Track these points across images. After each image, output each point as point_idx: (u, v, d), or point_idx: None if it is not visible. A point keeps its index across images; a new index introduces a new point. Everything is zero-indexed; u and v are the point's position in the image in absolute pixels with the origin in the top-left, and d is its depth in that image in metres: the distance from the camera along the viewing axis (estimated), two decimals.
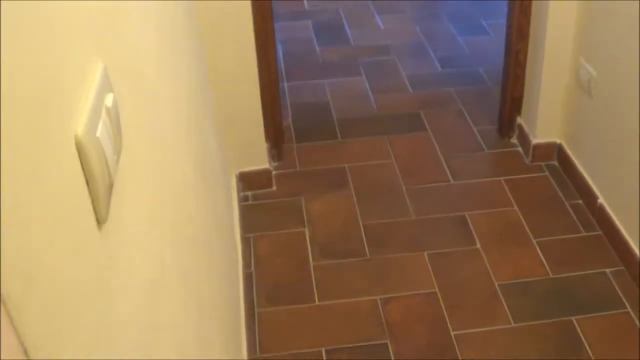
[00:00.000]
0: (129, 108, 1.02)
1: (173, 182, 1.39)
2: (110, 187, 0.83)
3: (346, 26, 4.73)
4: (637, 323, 2.58)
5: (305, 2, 5.14)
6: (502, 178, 3.28)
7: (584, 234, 2.97)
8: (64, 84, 0.73)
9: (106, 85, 0.85)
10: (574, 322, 2.58)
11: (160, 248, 1.17)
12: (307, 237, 2.99)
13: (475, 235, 2.96)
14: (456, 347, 2.52)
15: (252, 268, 2.86)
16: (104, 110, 0.82)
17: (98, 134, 0.78)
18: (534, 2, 3.17)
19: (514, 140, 3.52)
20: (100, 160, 0.78)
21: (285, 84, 4.03)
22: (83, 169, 0.75)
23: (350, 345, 2.55)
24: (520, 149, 3.47)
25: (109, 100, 0.84)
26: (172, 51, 1.69)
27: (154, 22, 1.45)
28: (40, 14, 0.68)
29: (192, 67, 2.16)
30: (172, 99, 1.55)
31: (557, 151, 3.35)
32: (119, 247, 0.88)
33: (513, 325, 2.59)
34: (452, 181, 3.28)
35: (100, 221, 0.80)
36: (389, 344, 2.54)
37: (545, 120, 3.29)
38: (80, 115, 0.76)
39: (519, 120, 3.48)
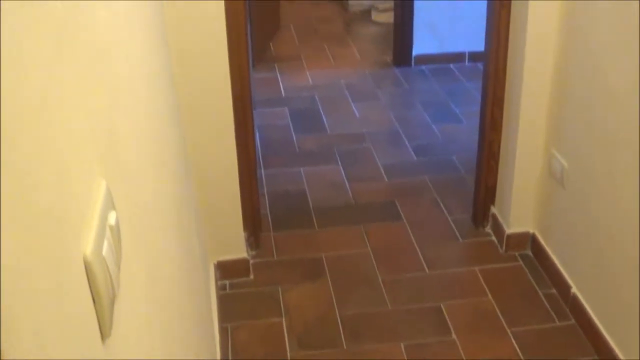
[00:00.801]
0: (126, 220, 1.05)
1: (165, 285, 1.41)
2: (113, 301, 0.86)
3: (322, 113, 4.82)
4: None
5: (282, 88, 5.23)
6: (476, 267, 3.32)
7: (558, 323, 3.00)
8: (72, 205, 0.77)
9: (109, 204, 0.89)
10: None
11: (156, 353, 1.19)
12: (285, 328, 3.00)
13: (450, 326, 2.98)
14: None
15: (230, 358, 2.86)
16: (107, 229, 0.86)
17: (104, 252, 0.82)
18: (506, 94, 3.26)
19: (488, 229, 3.58)
20: (105, 278, 0.81)
21: (263, 171, 4.08)
22: (90, 288, 0.78)
23: None
24: (494, 238, 3.52)
25: (112, 218, 0.88)
26: (161, 148, 1.73)
27: (147, 123, 1.49)
28: (48, 135, 0.72)
29: (176, 159, 2.20)
30: (163, 199, 1.59)
31: (530, 241, 3.41)
32: (121, 358, 0.91)
33: None
34: (427, 271, 3.31)
35: (104, 336, 0.82)
36: None
37: (519, 210, 3.36)
38: (87, 236, 0.79)
39: (493, 209, 3.54)
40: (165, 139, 1.93)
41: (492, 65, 3.23)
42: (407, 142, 4.42)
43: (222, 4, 2.83)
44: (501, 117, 3.32)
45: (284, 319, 3.04)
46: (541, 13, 2.96)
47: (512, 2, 3.08)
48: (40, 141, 0.67)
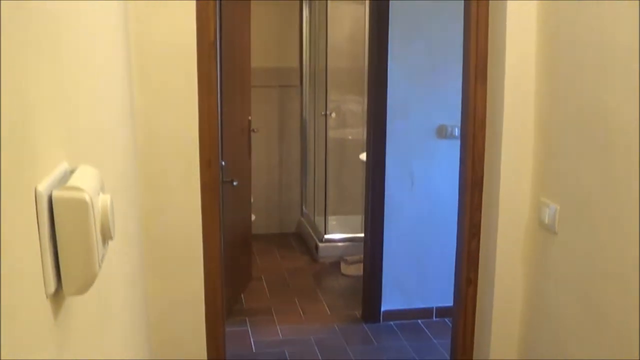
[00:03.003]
0: None
1: None
2: None
3: None
4: None
5: (252, 343, 5.28)
6: None
7: None
8: None
9: None
10: None
11: None
12: None
13: None
14: None
15: None
16: None
17: None
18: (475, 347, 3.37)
19: None
20: None
21: None
22: None
23: None
24: None
25: None
26: None
27: None
28: None
29: None
30: None
31: None
32: None
33: None
34: None
35: None
36: None
37: None
38: None
39: None
40: None
41: (460, 326, 3.35)
42: None
43: (200, 256, 2.98)
44: None
45: None
46: (507, 286, 3.13)
47: (479, 274, 3.25)
48: None
